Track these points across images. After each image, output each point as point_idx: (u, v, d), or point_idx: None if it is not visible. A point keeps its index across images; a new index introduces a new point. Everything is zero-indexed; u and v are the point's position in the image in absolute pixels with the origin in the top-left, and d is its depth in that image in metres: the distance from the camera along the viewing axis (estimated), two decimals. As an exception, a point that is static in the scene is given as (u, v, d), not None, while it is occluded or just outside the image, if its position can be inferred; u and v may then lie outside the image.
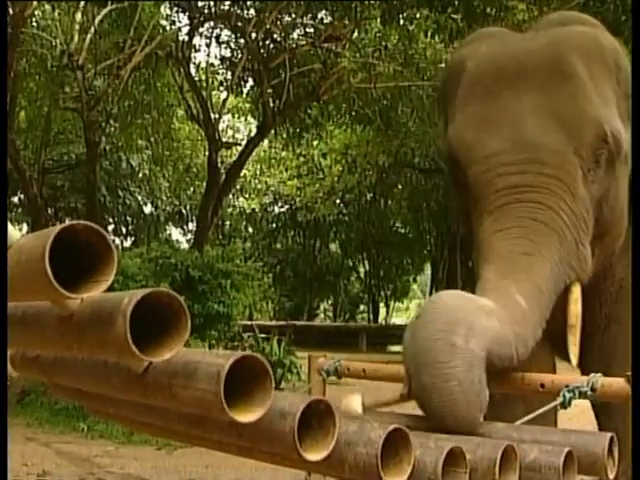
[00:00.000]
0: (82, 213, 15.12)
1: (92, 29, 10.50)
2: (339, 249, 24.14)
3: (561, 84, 2.41)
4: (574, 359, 2.28)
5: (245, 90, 13.38)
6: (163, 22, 12.41)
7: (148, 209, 19.70)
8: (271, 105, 11.66)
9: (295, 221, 22.07)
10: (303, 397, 1.26)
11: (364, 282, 24.77)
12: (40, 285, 1.03)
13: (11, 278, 1.11)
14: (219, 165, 12.47)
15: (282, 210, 22.81)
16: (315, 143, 17.29)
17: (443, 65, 11.22)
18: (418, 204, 20.24)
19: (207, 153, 12.64)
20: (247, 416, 1.13)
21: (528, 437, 1.68)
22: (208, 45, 14.07)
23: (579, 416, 3.64)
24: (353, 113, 12.96)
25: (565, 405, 1.92)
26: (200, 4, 11.58)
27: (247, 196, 22.55)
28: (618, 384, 1.91)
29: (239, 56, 12.56)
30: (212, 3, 11.52)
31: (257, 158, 19.96)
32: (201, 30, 12.54)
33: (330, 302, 25.86)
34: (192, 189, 19.82)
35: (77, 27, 10.69)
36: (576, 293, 2.35)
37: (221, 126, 15.12)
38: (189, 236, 20.98)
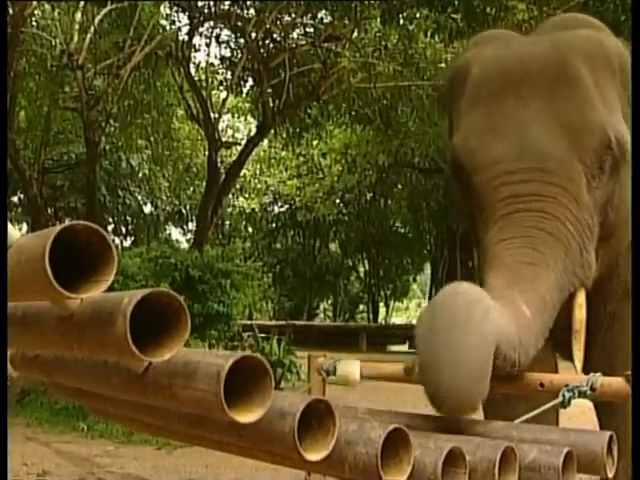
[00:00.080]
0: (82, 213, 15.12)
1: (92, 29, 10.50)
2: (339, 249, 24.14)
3: (565, 90, 2.41)
4: (579, 365, 2.29)
5: (245, 90, 13.39)
6: (163, 22, 12.41)
7: (148, 209, 19.72)
8: (271, 105, 11.66)
9: (295, 221, 22.07)
10: (303, 397, 1.26)
11: (364, 282, 24.78)
12: (40, 285, 1.03)
13: (11, 278, 1.11)
14: (219, 165, 12.47)
15: (282, 210, 22.82)
16: (315, 143, 17.29)
17: (443, 65, 11.24)
18: (418, 204, 20.24)
19: (207, 153, 12.64)
20: (247, 416, 1.13)
21: (527, 436, 1.68)
22: (208, 45, 14.10)
23: (579, 416, 3.64)
24: (353, 113, 12.96)
25: (565, 405, 1.92)
26: (200, 4, 11.58)
27: (247, 196, 22.56)
28: (618, 383, 1.91)
29: (239, 56, 12.56)
30: (212, 3, 11.52)
31: (257, 158, 19.97)
32: (201, 30, 12.55)
33: (330, 302, 25.87)
34: (192, 189, 19.82)
35: (77, 27, 10.69)
36: (580, 298, 2.37)
37: (221, 126, 15.13)
38: (189, 236, 20.99)
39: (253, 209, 22.67)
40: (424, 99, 11.56)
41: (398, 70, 11.27)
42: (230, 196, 20.04)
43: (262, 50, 11.66)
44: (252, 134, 14.08)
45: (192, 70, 12.46)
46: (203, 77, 13.13)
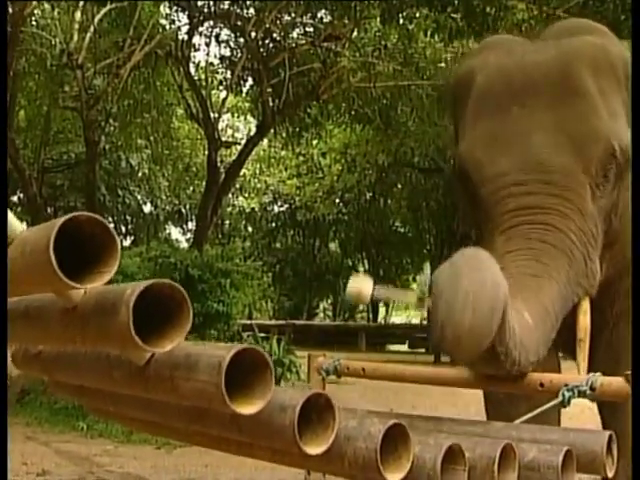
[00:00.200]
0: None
1: (92, 28, 10.50)
2: (339, 248, 24.14)
3: (570, 99, 2.42)
4: (583, 374, 2.30)
5: (245, 89, 13.39)
6: (163, 21, 12.42)
7: (148, 208, 19.72)
8: (271, 104, 11.65)
9: (294, 220, 22.07)
10: (303, 391, 1.26)
11: (363, 281, 24.75)
12: (44, 276, 1.04)
13: (15, 270, 1.12)
14: (218, 164, 12.47)
15: (282, 209, 22.82)
16: (315, 142, 17.28)
17: (443, 64, 11.25)
18: (418, 203, 20.23)
19: (206, 152, 12.64)
20: (248, 408, 1.14)
21: (527, 436, 1.68)
22: (208, 44, 14.06)
23: (579, 415, 3.65)
24: (353, 112, 12.96)
25: (564, 404, 1.93)
26: (199, 3, 11.58)
27: (247, 195, 22.56)
28: (618, 383, 1.91)
29: (239, 55, 12.56)
30: (212, 2, 11.51)
31: (257, 157, 19.97)
32: (201, 29, 12.55)
33: (329, 301, 25.88)
34: (191, 188, 19.82)
35: (77, 26, 10.69)
36: (585, 306, 2.39)
37: (221, 125, 15.13)
38: (188, 235, 21.00)
39: (253, 208, 22.67)
40: (424, 99, 11.56)
41: (398, 70, 11.27)
42: (230, 195, 20.04)
43: (262, 49, 11.67)
44: (252, 133, 14.08)
45: (192, 69, 12.46)
46: (203, 76, 13.13)
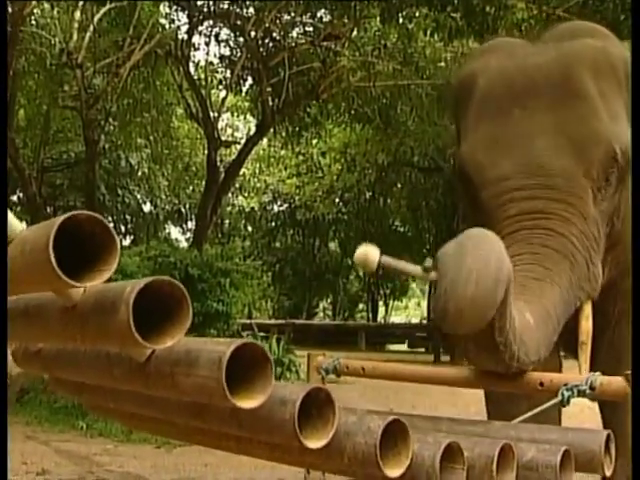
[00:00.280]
0: (81, 212, 15.08)
1: (91, 27, 10.50)
2: (338, 248, 24.14)
3: (571, 102, 2.43)
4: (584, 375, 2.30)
5: (244, 89, 13.38)
6: (162, 20, 12.41)
7: (147, 208, 19.71)
8: (270, 104, 11.66)
9: (294, 220, 22.07)
10: (303, 386, 1.27)
11: (363, 281, 24.78)
12: (44, 275, 1.04)
13: (15, 269, 1.13)
14: (218, 164, 12.47)
15: (281, 209, 22.82)
16: (314, 142, 17.27)
17: (442, 64, 11.25)
18: (417, 203, 20.23)
19: (206, 152, 12.63)
20: (248, 402, 1.15)
21: (526, 435, 1.69)
22: (207, 44, 14.08)
23: (578, 415, 3.65)
24: (352, 112, 12.96)
25: (564, 403, 1.93)
26: (199, 3, 11.58)
27: (246, 195, 22.55)
28: (617, 383, 1.92)
29: (238, 55, 12.56)
30: (211, 2, 11.51)
31: (256, 157, 19.96)
32: (200, 29, 12.55)
33: (329, 301, 25.89)
34: (191, 188, 19.83)
35: (76, 25, 10.70)
36: (587, 310, 2.39)
37: (220, 125, 15.14)
38: (188, 235, 21.00)
39: (252, 208, 22.66)
40: (423, 98, 11.57)
41: (397, 69, 11.27)
42: (229, 195, 20.04)
43: (261, 49, 11.67)
44: (251, 133, 14.08)
45: (191, 69, 12.46)
46: (202, 76, 13.13)
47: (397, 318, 27.85)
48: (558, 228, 2.31)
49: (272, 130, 13.07)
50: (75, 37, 10.52)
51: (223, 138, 13.52)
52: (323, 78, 11.42)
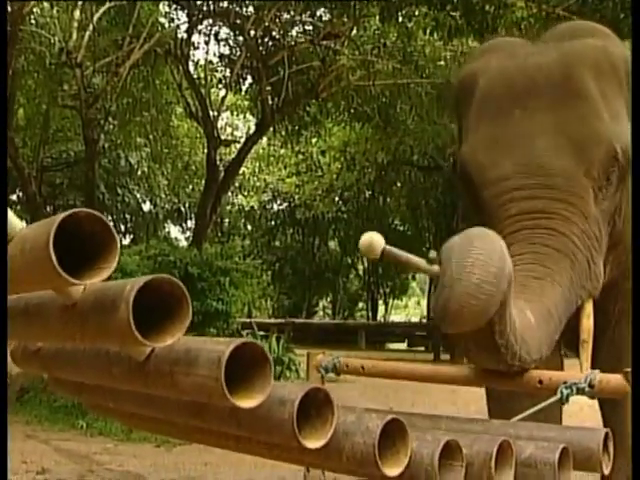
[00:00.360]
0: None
1: (91, 26, 10.50)
2: (338, 246, 24.15)
3: (572, 102, 2.44)
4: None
5: (244, 88, 13.38)
6: (162, 20, 12.41)
7: (147, 207, 19.71)
8: (270, 102, 11.66)
9: (294, 219, 22.07)
10: (302, 385, 1.27)
11: (363, 279, 24.80)
12: (44, 273, 1.04)
13: (15, 267, 1.13)
14: (218, 163, 12.47)
15: (281, 208, 22.82)
16: (314, 141, 17.27)
17: (442, 62, 11.25)
18: (417, 201, 20.23)
19: (206, 151, 12.64)
20: (247, 402, 1.15)
21: (524, 433, 1.69)
22: (207, 43, 14.06)
23: (578, 413, 3.66)
24: (352, 111, 12.97)
25: (563, 401, 1.93)
26: (199, 2, 11.57)
27: (246, 194, 22.55)
28: (616, 380, 1.92)
29: (238, 54, 12.56)
30: (211, 1, 11.51)
31: (256, 156, 19.96)
32: (200, 28, 12.54)
33: (329, 299, 25.89)
34: (191, 187, 19.82)
35: (76, 25, 10.70)
36: (588, 309, 2.40)
37: (220, 124, 15.14)
38: (188, 234, 21.00)
39: (252, 207, 22.66)
40: (423, 97, 11.58)
41: (397, 68, 11.28)
42: (229, 194, 20.05)
43: (261, 48, 11.67)
44: (251, 132, 14.08)
45: (191, 68, 12.45)
46: (202, 75, 13.13)
47: (397, 317, 27.87)
48: (559, 228, 2.32)
49: (272, 129, 13.07)
50: (74, 36, 10.52)
51: (223, 137, 13.52)
52: (323, 77, 11.42)
